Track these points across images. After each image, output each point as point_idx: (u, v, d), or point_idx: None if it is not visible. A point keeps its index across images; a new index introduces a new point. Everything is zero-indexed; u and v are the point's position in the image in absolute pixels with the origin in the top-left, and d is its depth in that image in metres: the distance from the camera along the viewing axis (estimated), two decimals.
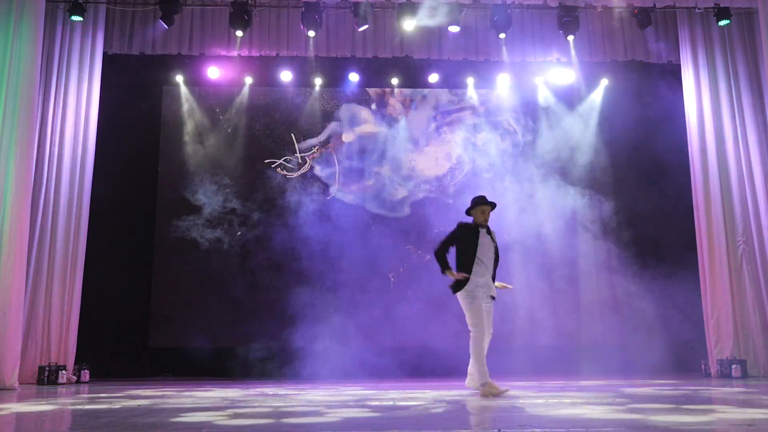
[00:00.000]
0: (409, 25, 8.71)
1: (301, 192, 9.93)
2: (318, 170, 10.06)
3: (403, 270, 9.79)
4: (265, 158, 10.06)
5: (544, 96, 10.17)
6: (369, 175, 10.09)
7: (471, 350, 5.47)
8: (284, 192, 9.94)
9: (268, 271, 9.70)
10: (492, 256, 5.64)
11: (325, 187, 10.03)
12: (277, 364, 9.06)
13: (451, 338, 8.20)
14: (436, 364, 8.64)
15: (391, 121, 10.23)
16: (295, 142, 10.10)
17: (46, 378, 7.59)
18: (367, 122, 10.25)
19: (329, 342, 9.03)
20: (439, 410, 4.26)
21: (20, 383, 7.14)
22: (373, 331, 8.97)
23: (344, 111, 10.26)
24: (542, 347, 8.95)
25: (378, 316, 9.14)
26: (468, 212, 5.75)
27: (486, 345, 5.53)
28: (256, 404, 4.77)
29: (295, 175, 10.03)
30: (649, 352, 8.73)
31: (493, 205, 5.71)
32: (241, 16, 8.59)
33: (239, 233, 9.78)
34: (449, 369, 8.11)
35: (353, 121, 10.25)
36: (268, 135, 10.14)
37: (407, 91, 10.26)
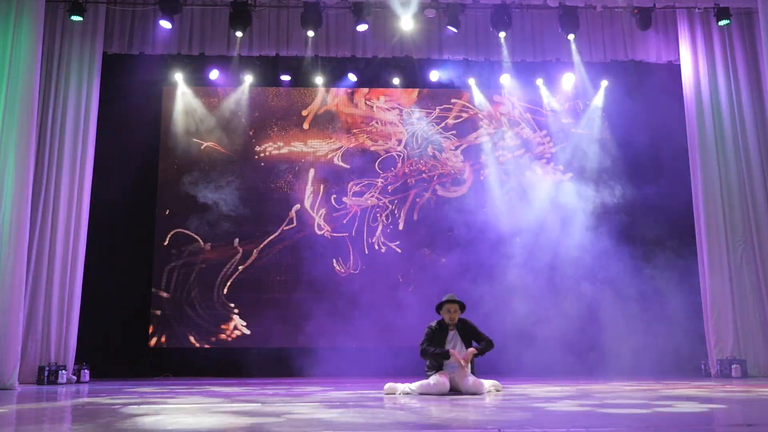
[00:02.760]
0: (408, 24, 8.71)
1: (304, 191, 9.94)
2: (322, 170, 10.06)
3: (413, 271, 9.79)
4: (265, 158, 10.06)
5: (544, 95, 10.17)
6: (373, 175, 10.09)
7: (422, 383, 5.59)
8: (287, 191, 9.94)
9: (270, 270, 9.71)
10: (460, 349, 5.68)
11: (329, 186, 10.02)
12: (280, 364, 9.07)
13: None
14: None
15: (395, 121, 10.23)
16: (308, 143, 10.11)
17: (46, 378, 7.59)
18: (369, 122, 10.25)
19: (334, 341, 9.04)
20: (439, 408, 4.26)
21: (20, 383, 7.13)
22: (380, 331, 8.98)
23: (345, 110, 10.26)
24: (539, 348, 8.94)
25: (386, 317, 9.15)
26: (437, 310, 5.84)
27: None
28: (258, 404, 4.77)
29: (303, 175, 10.03)
30: (649, 352, 8.73)
31: (461, 305, 5.75)
32: (241, 16, 8.58)
33: (240, 232, 9.78)
34: None
35: (356, 121, 10.25)
36: (268, 134, 10.14)
37: (410, 90, 10.26)
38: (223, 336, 9.53)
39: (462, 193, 10.00)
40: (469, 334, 5.76)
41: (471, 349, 5.63)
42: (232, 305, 9.62)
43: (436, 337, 5.70)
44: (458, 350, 5.68)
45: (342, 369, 8.60)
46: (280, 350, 9.34)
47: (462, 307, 5.78)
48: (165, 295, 9.59)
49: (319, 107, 10.24)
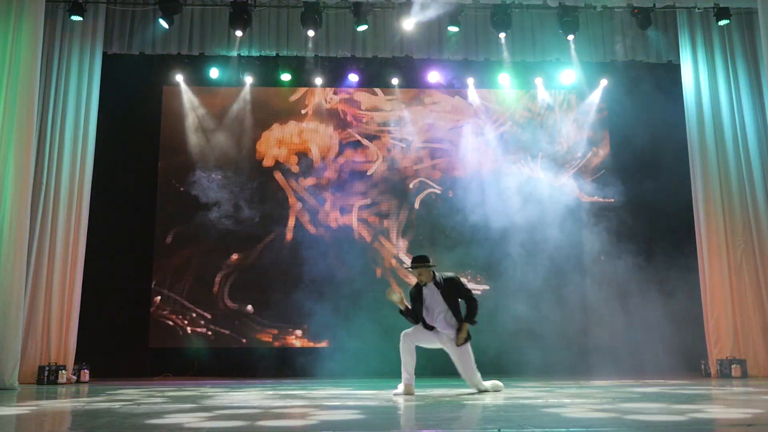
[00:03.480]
0: (408, 24, 8.72)
1: (304, 190, 9.94)
2: (323, 169, 10.05)
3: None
4: (265, 157, 10.06)
5: (544, 96, 10.17)
6: (375, 174, 10.09)
7: None
8: (288, 190, 9.94)
9: (271, 270, 9.69)
10: (441, 307, 5.76)
11: (330, 185, 10.01)
12: (281, 364, 9.07)
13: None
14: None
15: (395, 121, 10.22)
16: (308, 142, 10.11)
17: (46, 378, 7.59)
18: (370, 121, 10.24)
19: (336, 341, 9.04)
20: (440, 408, 4.26)
21: (20, 383, 7.13)
22: (384, 331, 8.97)
23: (346, 110, 10.26)
24: (538, 347, 8.94)
25: (389, 316, 9.15)
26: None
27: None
28: (256, 404, 4.77)
29: (304, 174, 10.02)
30: (649, 352, 8.72)
31: (423, 265, 5.76)
32: (240, 16, 8.59)
33: (242, 232, 9.77)
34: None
35: (356, 120, 10.24)
36: (268, 134, 10.14)
37: (409, 90, 10.26)
38: (223, 336, 9.52)
39: (463, 191, 9.98)
40: (454, 292, 5.79)
41: (462, 335, 5.69)
42: (233, 304, 9.62)
43: (414, 297, 5.86)
44: (436, 305, 5.75)
45: (345, 369, 8.59)
46: (281, 350, 9.33)
47: (425, 264, 5.78)
48: (165, 294, 9.59)
49: (319, 107, 10.23)
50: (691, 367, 8.66)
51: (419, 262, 5.80)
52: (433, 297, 5.78)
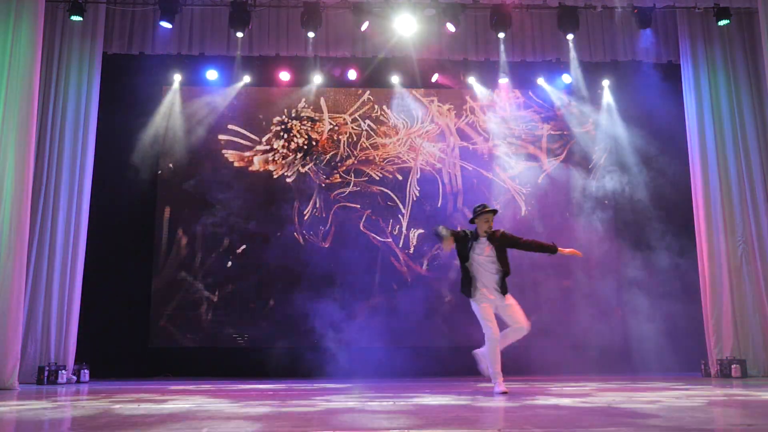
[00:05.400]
0: (408, 25, 8.71)
1: (304, 190, 9.94)
2: (325, 168, 10.05)
3: (421, 268, 9.78)
4: (266, 157, 10.06)
5: (544, 95, 10.18)
6: (376, 174, 10.09)
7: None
8: (287, 190, 9.94)
9: (273, 270, 9.68)
10: (492, 267, 5.63)
11: (332, 184, 10.01)
12: (282, 364, 9.06)
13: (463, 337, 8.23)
14: (450, 363, 8.67)
15: (395, 121, 10.22)
16: (309, 142, 10.11)
17: (46, 378, 7.59)
18: (370, 121, 10.24)
19: (339, 342, 9.03)
20: (440, 409, 4.26)
21: (20, 383, 7.13)
22: (391, 331, 8.97)
23: (346, 110, 10.26)
24: (539, 346, 8.94)
25: (395, 316, 9.17)
26: (472, 221, 5.81)
27: (513, 338, 5.69)
28: (256, 402, 4.77)
29: (306, 174, 10.02)
30: (649, 352, 8.73)
31: (494, 212, 5.76)
32: (240, 16, 8.60)
33: (243, 232, 9.77)
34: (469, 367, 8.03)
35: (356, 120, 10.24)
36: (268, 134, 10.13)
37: (409, 90, 10.25)
38: (223, 337, 9.52)
39: (466, 189, 9.99)
40: (507, 242, 5.69)
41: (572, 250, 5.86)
42: (232, 305, 9.61)
43: (462, 250, 5.65)
44: (488, 262, 5.60)
45: (348, 369, 8.57)
46: (283, 350, 9.31)
47: (494, 211, 5.75)
48: (165, 294, 9.58)
49: (319, 107, 10.23)
50: (691, 367, 8.67)
51: (494, 210, 5.61)
52: (484, 252, 5.58)
